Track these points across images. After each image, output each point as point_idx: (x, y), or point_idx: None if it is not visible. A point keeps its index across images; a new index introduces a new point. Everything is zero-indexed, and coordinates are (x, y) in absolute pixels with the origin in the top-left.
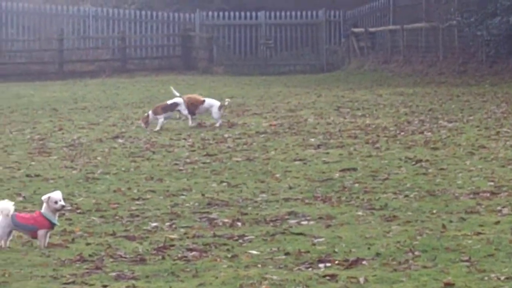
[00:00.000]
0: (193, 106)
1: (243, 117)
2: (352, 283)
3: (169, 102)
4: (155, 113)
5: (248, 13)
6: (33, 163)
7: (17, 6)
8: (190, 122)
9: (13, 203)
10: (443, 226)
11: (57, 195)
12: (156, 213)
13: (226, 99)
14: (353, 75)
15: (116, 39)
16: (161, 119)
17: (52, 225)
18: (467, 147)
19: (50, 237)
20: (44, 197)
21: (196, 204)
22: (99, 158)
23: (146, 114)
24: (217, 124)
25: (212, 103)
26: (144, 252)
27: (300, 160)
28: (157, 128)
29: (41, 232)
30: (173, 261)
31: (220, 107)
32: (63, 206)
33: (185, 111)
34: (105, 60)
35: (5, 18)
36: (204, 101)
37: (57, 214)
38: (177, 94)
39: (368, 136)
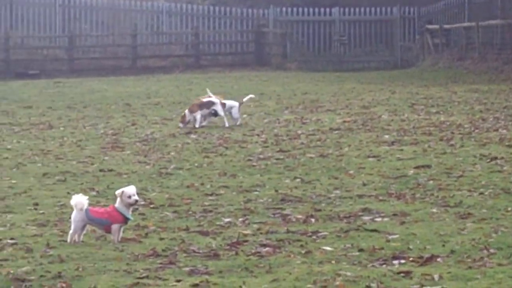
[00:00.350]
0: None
1: (316, 113)
2: (426, 280)
3: (205, 100)
4: (191, 111)
5: (322, 9)
6: (106, 157)
7: (91, 1)
8: (226, 123)
9: (87, 197)
10: None
11: (131, 189)
12: (229, 208)
13: (250, 95)
14: (428, 72)
15: (190, 35)
16: (198, 115)
17: (126, 220)
18: None
19: (123, 231)
20: (117, 192)
21: (270, 200)
22: (172, 153)
23: (183, 114)
24: (238, 123)
25: (232, 104)
26: (218, 247)
27: (374, 156)
28: (196, 125)
29: (115, 227)
30: (247, 256)
31: (239, 106)
32: (136, 201)
33: (221, 112)
34: (179, 56)
35: (79, 14)
36: (224, 104)
37: (131, 208)
38: (211, 95)
39: (443, 133)
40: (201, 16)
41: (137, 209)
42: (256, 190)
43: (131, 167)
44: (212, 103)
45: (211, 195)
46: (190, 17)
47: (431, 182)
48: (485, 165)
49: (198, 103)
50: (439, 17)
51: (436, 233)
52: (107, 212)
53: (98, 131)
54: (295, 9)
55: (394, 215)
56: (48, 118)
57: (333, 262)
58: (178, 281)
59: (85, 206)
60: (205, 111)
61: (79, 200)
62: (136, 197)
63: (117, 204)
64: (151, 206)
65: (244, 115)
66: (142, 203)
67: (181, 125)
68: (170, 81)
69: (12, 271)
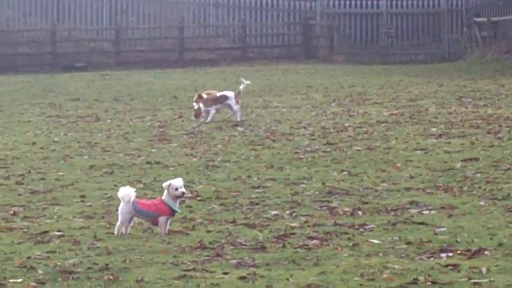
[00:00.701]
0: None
1: (363, 106)
2: (474, 273)
3: (219, 94)
4: (206, 105)
5: (369, 2)
6: (153, 150)
7: None
8: (238, 118)
9: (134, 189)
10: None
11: (178, 182)
12: (276, 201)
13: (245, 81)
14: (475, 64)
15: (237, 28)
16: (212, 110)
17: (173, 212)
18: None
19: (170, 224)
20: (165, 184)
21: (317, 192)
22: (219, 146)
23: (197, 107)
24: (238, 119)
25: (227, 95)
26: (265, 240)
27: (421, 149)
28: (208, 119)
29: (162, 219)
30: (294, 249)
31: (236, 96)
32: (183, 193)
33: (236, 106)
34: (225, 49)
35: (126, 6)
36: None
37: (178, 201)
38: (245, 83)
39: (490, 126)
40: (248, 9)
41: (184, 201)
42: (303, 183)
43: (178, 160)
44: (226, 98)
45: (258, 187)
46: (237, 9)
47: (478, 175)
48: None
49: (212, 97)
50: (487, 10)
51: (483, 226)
52: (154, 204)
53: (145, 124)
54: (342, 1)
55: (442, 208)
56: (95, 110)
57: (380, 255)
58: (225, 273)
59: (132, 198)
60: (219, 105)
61: (126, 193)
62: (183, 189)
63: (164, 197)
64: (198, 198)
65: (292, 108)
66: (189, 195)
67: (193, 118)
68: (217, 74)
69: (59, 263)
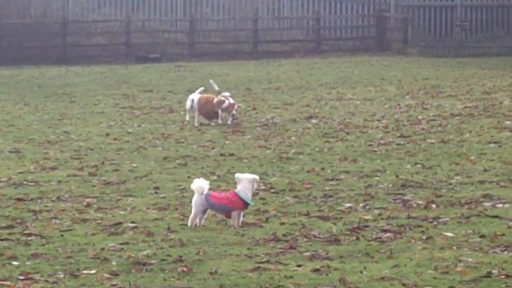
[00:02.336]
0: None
1: (437, 98)
2: None
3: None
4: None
5: None
6: (227, 142)
7: None
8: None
9: (208, 182)
10: None
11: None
12: (350, 193)
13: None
14: None
15: (311, 20)
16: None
17: (246, 205)
18: None
19: (244, 216)
20: (255, 176)
21: (390, 185)
22: (292, 138)
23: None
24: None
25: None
26: (338, 232)
27: (495, 142)
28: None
29: (234, 213)
30: (367, 242)
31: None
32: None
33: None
34: (299, 41)
35: None
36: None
37: (252, 192)
38: (216, 88)
39: None
40: (322, 1)
41: (257, 193)
42: (376, 175)
43: (251, 152)
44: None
45: (331, 180)
46: (311, 1)
47: None
48: None
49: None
50: None
51: None
52: (227, 197)
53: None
54: None
55: None
56: (169, 102)
57: (454, 248)
58: (299, 266)
59: (206, 190)
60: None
61: (200, 185)
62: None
63: (237, 189)
64: (272, 191)
65: (366, 101)
66: (263, 187)
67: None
68: (290, 66)
69: (133, 255)
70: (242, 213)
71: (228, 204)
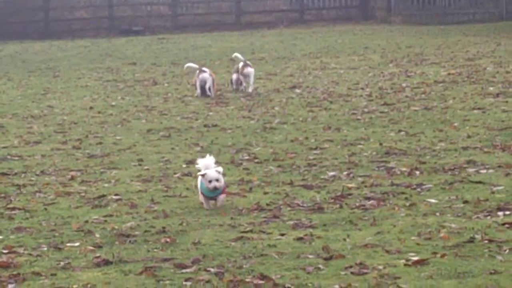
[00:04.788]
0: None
1: (421, 66)
2: None
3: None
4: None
5: None
6: (210, 113)
7: None
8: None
9: (214, 160)
10: None
11: (213, 174)
12: (333, 162)
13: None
14: None
15: None
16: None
17: (206, 197)
18: None
19: (227, 189)
20: (200, 173)
21: (374, 153)
22: (276, 108)
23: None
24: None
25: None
26: (322, 201)
27: (479, 108)
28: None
29: (200, 197)
30: (351, 209)
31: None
32: (215, 189)
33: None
34: (283, 11)
35: None
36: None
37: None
38: (242, 58)
39: None
40: None
41: (241, 164)
42: (360, 144)
43: (235, 122)
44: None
45: (315, 149)
46: None
47: None
48: None
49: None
50: None
51: None
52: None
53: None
54: None
55: (499, 166)
56: (152, 74)
57: (437, 214)
58: (282, 234)
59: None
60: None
61: (206, 163)
62: (215, 184)
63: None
64: (256, 160)
65: (349, 69)
66: (246, 158)
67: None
68: (274, 37)
69: (116, 227)
70: (217, 201)
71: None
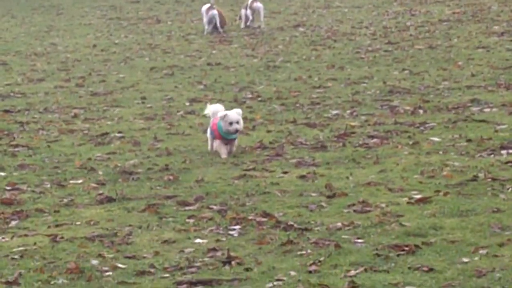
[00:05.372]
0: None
1: (425, 5)
2: None
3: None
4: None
5: None
6: (214, 51)
7: None
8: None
9: (222, 107)
10: None
11: (234, 115)
12: (337, 100)
13: None
14: None
15: None
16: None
17: (225, 139)
18: None
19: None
20: (220, 114)
21: (378, 91)
22: (280, 46)
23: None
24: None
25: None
26: (325, 139)
27: (483, 47)
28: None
29: (216, 142)
30: (354, 148)
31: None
32: (237, 131)
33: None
34: None
35: None
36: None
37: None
38: None
39: None
40: None
41: (244, 102)
42: (364, 82)
43: (238, 61)
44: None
45: (318, 87)
46: None
47: None
48: None
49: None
50: None
51: None
52: (214, 123)
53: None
54: None
55: (503, 105)
56: (156, 12)
57: (440, 152)
58: (285, 172)
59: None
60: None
61: (214, 110)
62: (237, 126)
63: (220, 121)
64: (259, 99)
65: (354, 8)
66: (250, 96)
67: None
68: None
69: (119, 164)
70: (232, 145)
71: (213, 131)
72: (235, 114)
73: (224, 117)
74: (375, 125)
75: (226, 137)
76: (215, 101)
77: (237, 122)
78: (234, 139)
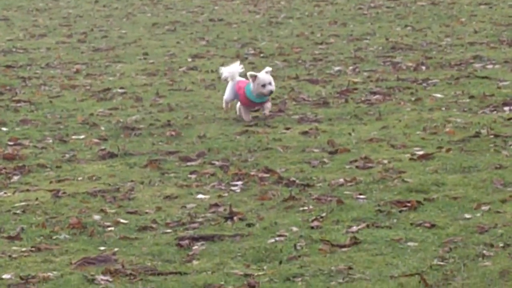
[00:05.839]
0: None
1: None
2: None
3: None
4: None
5: None
6: (216, 7)
7: None
8: None
9: (241, 66)
10: None
11: (266, 77)
12: (339, 57)
13: None
14: None
15: None
16: None
17: (250, 102)
18: None
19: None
20: (250, 73)
21: (380, 48)
22: (282, 2)
23: None
24: None
25: None
26: (327, 95)
27: (485, 4)
28: None
29: (240, 107)
30: (356, 104)
31: None
32: (271, 92)
33: None
34: None
35: None
36: None
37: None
38: None
39: None
40: None
41: (246, 58)
42: (366, 39)
43: (241, 17)
44: None
45: (321, 44)
46: None
47: None
48: None
49: None
50: None
51: None
52: (240, 87)
53: None
54: None
55: (506, 62)
56: None
57: (443, 109)
58: (288, 128)
59: (237, 77)
60: None
61: (231, 70)
62: (271, 87)
63: (249, 85)
64: (261, 55)
65: None
66: (252, 52)
67: None
68: None
69: (121, 120)
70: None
71: (239, 94)
72: (267, 75)
73: (255, 79)
74: (377, 82)
75: (254, 101)
76: (217, 58)
77: (270, 83)
78: (265, 101)
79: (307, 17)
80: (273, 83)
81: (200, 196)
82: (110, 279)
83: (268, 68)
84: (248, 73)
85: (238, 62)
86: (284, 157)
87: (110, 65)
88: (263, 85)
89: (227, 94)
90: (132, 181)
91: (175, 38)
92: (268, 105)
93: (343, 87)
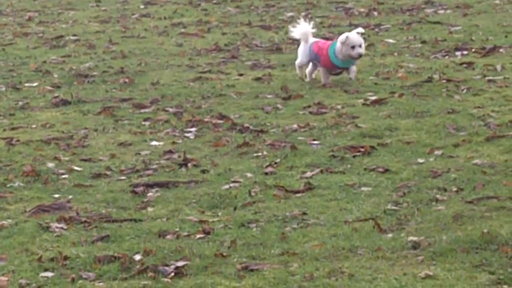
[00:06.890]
0: None
1: None
2: (489, 70)
3: None
4: None
5: None
6: None
7: None
8: None
9: (311, 26)
10: None
11: (357, 38)
12: (291, 3)
13: None
14: None
15: None
16: None
17: (333, 65)
18: None
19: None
20: (341, 37)
21: None
22: None
23: None
24: None
25: None
26: (280, 41)
27: None
28: None
29: (322, 70)
30: None
31: None
32: (360, 56)
33: None
34: None
35: None
36: None
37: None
38: None
39: None
40: None
41: (199, 4)
42: None
43: None
44: None
45: None
46: None
47: None
48: None
49: None
50: None
51: (499, 24)
52: (321, 48)
53: None
54: None
55: (457, 7)
56: None
57: (395, 54)
58: (241, 75)
59: (310, 37)
60: None
61: (304, 31)
62: (361, 50)
63: (335, 46)
64: (214, 1)
65: None
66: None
67: None
68: None
69: (74, 67)
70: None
71: (319, 55)
72: (358, 36)
73: (345, 40)
74: (329, 27)
75: (339, 65)
76: (170, 4)
77: (360, 46)
78: (350, 66)
79: None
80: (363, 45)
81: (154, 143)
82: (65, 227)
83: (361, 29)
84: (341, 36)
85: (308, 22)
86: (238, 103)
87: (62, 12)
88: (353, 47)
89: (301, 57)
90: (86, 128)
91: None
92: (354, 68)
93: None
